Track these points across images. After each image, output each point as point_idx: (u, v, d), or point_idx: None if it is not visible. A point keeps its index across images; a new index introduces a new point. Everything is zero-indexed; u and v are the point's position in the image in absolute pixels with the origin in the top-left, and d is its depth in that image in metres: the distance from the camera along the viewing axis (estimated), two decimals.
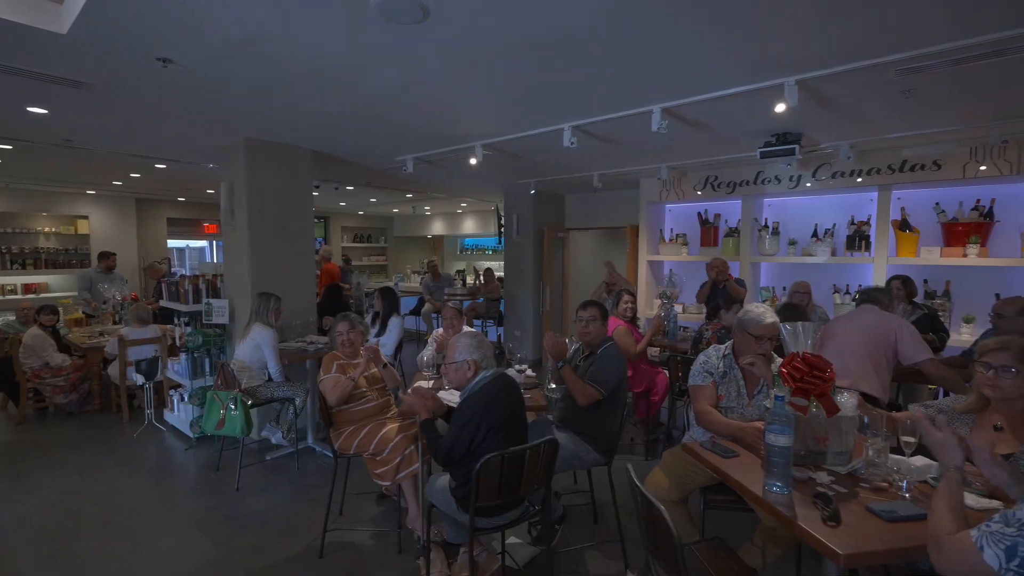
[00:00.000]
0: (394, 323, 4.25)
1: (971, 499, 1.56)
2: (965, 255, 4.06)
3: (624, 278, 5.33)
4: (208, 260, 9.94)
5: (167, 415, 4.52)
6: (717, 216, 5.55)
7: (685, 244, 5.69)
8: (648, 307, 5.76)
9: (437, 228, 10.89)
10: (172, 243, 9.14)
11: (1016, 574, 1.03)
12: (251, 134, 3.96)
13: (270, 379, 3.76)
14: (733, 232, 5.32)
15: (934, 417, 1.49)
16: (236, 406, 3.39)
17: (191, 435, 4.13)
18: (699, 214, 5.64)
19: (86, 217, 7.63)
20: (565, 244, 7.31)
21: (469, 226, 10.23)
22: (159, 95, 2.99)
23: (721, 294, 4.33)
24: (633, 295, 4.23)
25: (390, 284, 7.10)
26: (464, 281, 8.60)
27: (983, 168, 3.87)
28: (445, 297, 7.46)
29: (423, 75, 2.65)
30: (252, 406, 3.53)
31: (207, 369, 4.23)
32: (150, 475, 3.62)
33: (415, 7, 1.92)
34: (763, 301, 5.08)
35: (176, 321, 4.59)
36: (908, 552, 1.41)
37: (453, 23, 2.07)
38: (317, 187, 6.47)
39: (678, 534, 1.45)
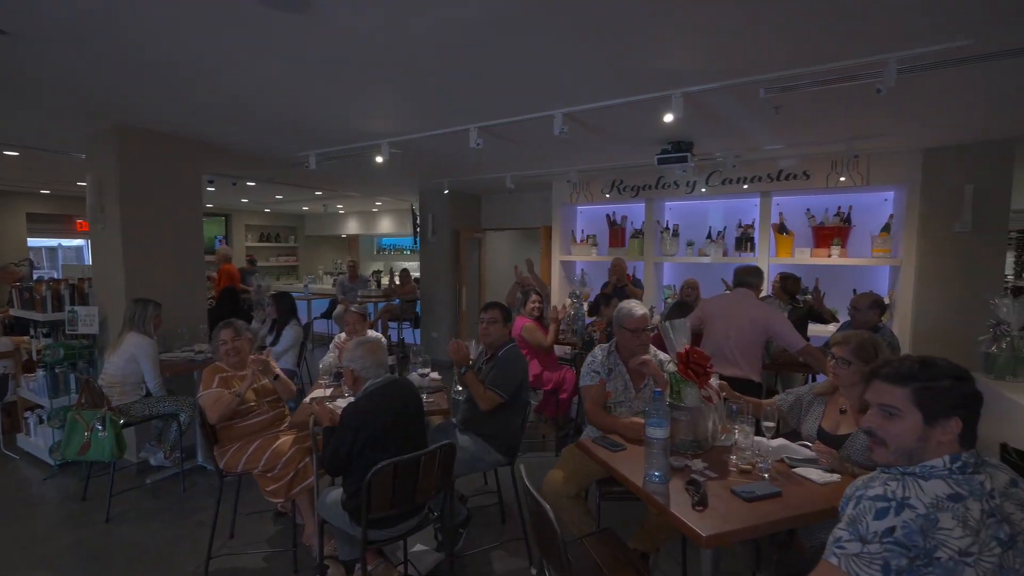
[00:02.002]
0: (289, 331, 4.01)
1: (815, 474, 1.74)
2: (830, 255, 4.60)
3: (539, 279, 5.42)
4: (87, 262, 8.79)
5: (21, 441, 3.93)
6: (624, 218, 5.83)
7: (595, 245, 5.92)
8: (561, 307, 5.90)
9: (352, 227, 10.45)
10: (36, 242, 7.99)
11: None
12: (123, 120, 3.54)
13: (149, 394, 3.39)
14: (638, 234, 5.61)
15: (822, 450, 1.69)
16: (104, 427, 3.02)
17: (52, 462, 3.62)
18: (607, 216, 5.88)
19: None
20: (481, 245, 7.31)
21: (386, 225, 9.92)
22: None
23: (619, 294, 4.56)
24: (540, 296, 4.32)
25: (286, 289, 6.70)
26: (379, 282, 8.31)
27: (842, 179, 4.40)
28: (358, 299, 7.19)
29: (314, 68, 2.51)
30: (125, 425, 3.16)
31: (72, 386, 3.72)
32: None
33: None
34: (665, 299, 5.41)
35: (33, 332, 4.00)
36: (763, 527, 1.55)
37: (339, 15, 1.98)
38: (211, 182, 5.95)
39: (560, 531, 1.48)
